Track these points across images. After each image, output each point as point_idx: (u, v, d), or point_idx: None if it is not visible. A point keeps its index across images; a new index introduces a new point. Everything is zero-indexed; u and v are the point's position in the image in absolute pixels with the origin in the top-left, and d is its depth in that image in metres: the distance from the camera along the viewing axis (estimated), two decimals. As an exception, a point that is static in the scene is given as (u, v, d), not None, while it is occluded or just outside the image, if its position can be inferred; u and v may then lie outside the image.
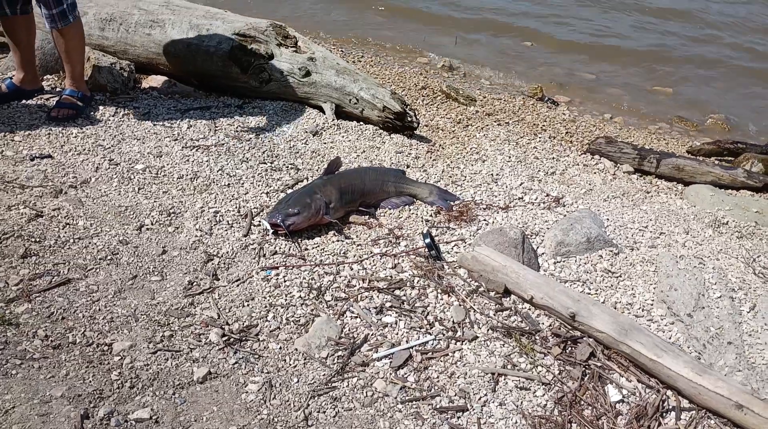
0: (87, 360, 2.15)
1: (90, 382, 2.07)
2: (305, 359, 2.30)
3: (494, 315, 2.61)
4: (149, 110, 3.96)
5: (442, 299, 2.66)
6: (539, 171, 3.97)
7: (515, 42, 6.80)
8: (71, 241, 2.72)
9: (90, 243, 2.73)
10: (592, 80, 6.16)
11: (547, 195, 3.62)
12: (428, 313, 2.58)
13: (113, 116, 3.80)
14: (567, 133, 4.71)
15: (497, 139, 4.36)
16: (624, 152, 4.31)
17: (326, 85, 4.11)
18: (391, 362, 2.32)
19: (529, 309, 2.67)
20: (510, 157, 4.06)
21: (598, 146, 4.36)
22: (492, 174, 3.79)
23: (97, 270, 2.60)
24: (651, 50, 6.80)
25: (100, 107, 3.86)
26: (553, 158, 4.20)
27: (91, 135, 3.57)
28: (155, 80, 4.33)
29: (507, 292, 2.72)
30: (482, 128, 4.53)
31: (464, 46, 6.66)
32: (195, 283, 2.61)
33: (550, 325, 2.59)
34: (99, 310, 2.39)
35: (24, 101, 3.82)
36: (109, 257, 2.67)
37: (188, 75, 4.35)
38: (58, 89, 4.03)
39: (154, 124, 3.79)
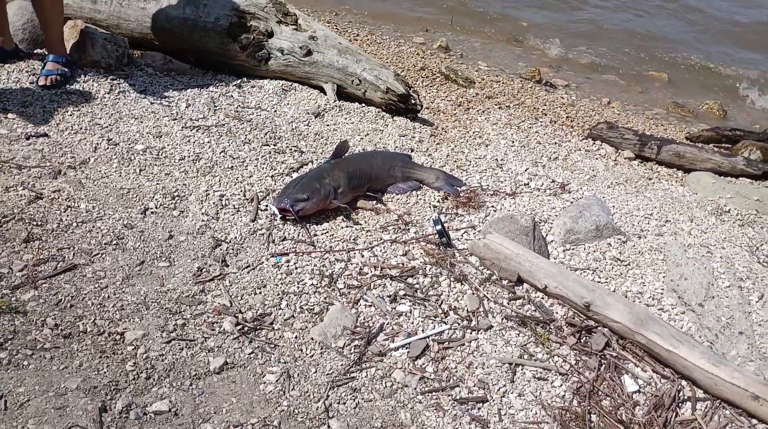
0: (100, 350, 2.09)
1: (105, 373, 2.01)
2: (322, 349, 2.26)
3: (508, 304, 2.60)
4: (145, 88, 3.84)
5: (455, 287, 2.64)
6: (542, 156, 3.94)
7: (513, 24, 6.73)
8: (74, 224, 2.64)
9: (94, 227, 2.65)
10: (588, 64, 6.14)
11: (553, 181, 3.60)
12: (442, 302, 2.55)
13: (108, 94, 3.69)
14: (567, 117, 4.69)
15: (499, 122, 4.32)
16: (625, 138, 4.30)
17: (328, 65, 4.03)
18: (408, 352, 2.30)
19: (543, 298, 2.66)
20: (513, 142, 4.03)
21: (600, 132, 4.34)
22: (496, 159, 3.76)
23: (103, 255, 2.52)
24: (647, 35, 6.79)
25: (95, 84, 3.74)
26: (556, 143, 4.18)
27: (87, 113, 3.45)
28: (150, 56, 4.20)
29: (520, 281, 2.71)
30: (483, 111, 4.48)
31: (460, 26, 6.57)
32: (204, 270, 2.55)
33: (564, 315, 2.59)
34: (108, 297, 2.33)
35: (11, 71, 3.68)
36: (114, 242, 2.59)
37: (184, 52, 4.23)
38: (37, 52, 3.92)
39: (152, 103, 3.68)
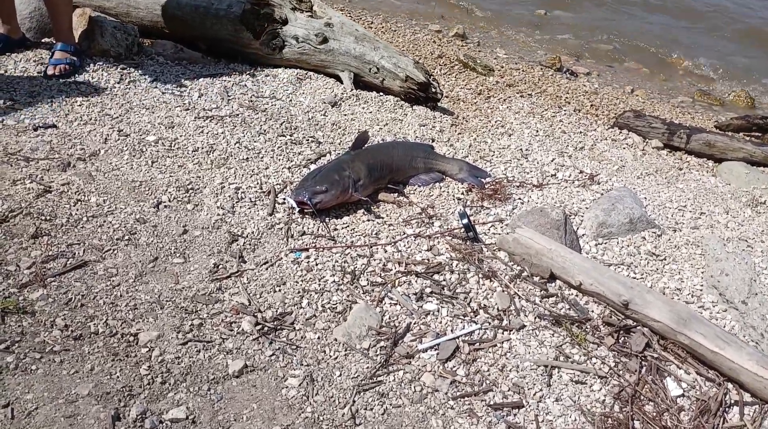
0: (112, 352, 1.97)
1: (118, 377, 1.89)
2: (346, 350, 2.13)
3: (540, 302, 2.46)
4: (156, 77, 3.72)
5: (484, 285, 2.50)
6: (568, 146, 3.79)
7: (528, 11, 6.55)
8: (84, 219, 2.52)
9: (105, 221, 2.53)
10: (609, 51, 5.96)
11: (581, 172, 3.45)
12: (471, 300, 2.42)
13: (118, 83, 3.56)
14: (592, 106, 4.53)
15: (521, 111, 4.16)
16: (653, 127, 4.14)
17: (344, 53, 3.88)
18: (437, 354, 2.16)
19: (577, 295, 2.52)
20: (537, 131, 3.88)
21: (627, 120, 4.18)
22: (521, 149, 3.61)
23: (115, 251, 2.40)
24: (668, 21, 6.59)
25: (104, 73, 3.62)
26: (581, 132, 4.02)
27: (97, 103, 3.33)
28: (161, 45, 4.07)
29: (552, 278, 2.57)
30: (504, 100, 4.33)
31: (476, 13, 6.40)
32: (221, 266, 2.42)
33: (600, 313, 2.44)
34: (120, 295, 2.21)
35: (18, 60, 3.56)
36: (126, 237, 2.47)
37: (196, 40, 4.09)
38: (44, 41, 3.81)
39: (163, 93, 3.56)
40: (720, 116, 4.95)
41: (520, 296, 2.46)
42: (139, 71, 3.73)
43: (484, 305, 2.40)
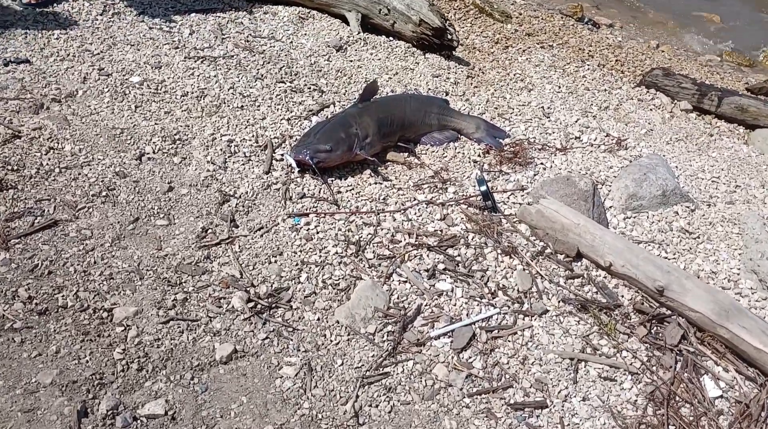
0: (82, 331, 1.72)
1: (87, 362, 1.64)
2: (349, 335, 1.89)
3: (565, 283, 2.21)
4: (143, 10, 3.35)
5: (503, 262, 2.24)
6: (592, 105, 3.48)
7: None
8: (57, 170, 2.23)
9: (80, 174, 2.24)
10: (633, 2, 5.56)
11: (607, 135, 3.15)
12: (488, 279, 2.17)
13: (101, 15, 3.20)
14: (617, 60, 4.19)
15: (542, 64, 3.83)
16: (683, 87, 3.82)
17: (352, -9, 3.52)
18: (451, 342, 1.93)
19: (605, 277, 2.27)
20: (560, 88, 3.56)
21: (655, 79, 3.86)
22: (542, 107, 3.30)
23: (90, 210, 2.12)
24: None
25: (86, 3, 3.25)
26: (605, 90, 3.70)
27: (76, 37, 2.99)
28: (150, -26, 3.67)
29: (579, 256, 2.31)
30: (524, 51, 3.98)
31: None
32: (210, 231, 2.15)
33: (631, 299, 2.20)
34: (94, 262, 1.94)
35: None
36: (104, 193, 2.19)
37: (189, -31, 3.70)
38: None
39: (150, 28, 3.20)
40: (749, 78, 4.63)
41: (543, 276, 2.21)
42: (125, 2, 3.36)
43: (503, 286, 2.15)
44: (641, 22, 5.25)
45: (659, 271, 2.16)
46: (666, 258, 2.45)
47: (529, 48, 4.04)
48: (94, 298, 1.82)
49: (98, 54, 2.91)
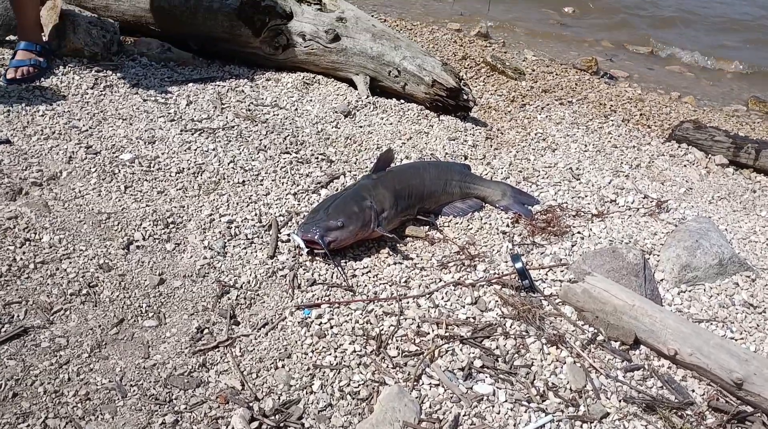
0: (47, 474, 1.40)
1: None
2: (375, 459, 1.56)
3: (624, 377, 1.88)
4: (138, 81, 3.15)
5: (549, 353, 1.92)
6: (623, 163, 3.21)
7: (555, 8, 5.98)
8: (31, 266, 1.95)
9: (58, 269, 1.96)
10: (647, 52, 5.38)
11: (645, 196, 2.87)
12: (535, 377, 1.84)
13: (91, 89, 2.99)
14: (641, 115, 3.95)
15: (563, 121, 3.59)
16: (716, 140, 3.56)
17: (360, 53, 3.31)
18: (499, 463, 1.59)
19: (669, 368, 1.94)
20: (586, 146, 3.30)
21: (685, 133, 3.60)
22: (570, 168, 3.03)
23: (68, 312, 1.83)
24: (710, 19, 6.01)
25: (75, 76, 3.05)
26: (634, 147, 3.45)
27: (63, 113, 2.76)
28: (145, 44, 3.50)
29: (636, 343, 1.99)
30: (542, 108, 3.75)
31: (498, 11, 5.83)
32: (206, 331, 1.85)
33: (704, 394, 1.86)
34: (68, 379, 1.63)
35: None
36: (84, 291, 1.90)
37: (186, 38, 3.53)
38: (9, 39, 3.26)
39: (145, 100, 2.99)
40: (783, 126, 4.37)
41: (598, 370, 1.88)
42: (118, 74, 3.16)
43: (553, 384, 1.82)
44: (658, 74, 5.05)
45: (735, 360, 1.83)
46: (732, 338, 2.13)
47: (548, 105, 3.81)
48: (65, 427, 1.51)
49: (86, 130, 2.67)
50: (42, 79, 2.99)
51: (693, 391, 1.87)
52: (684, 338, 1.90)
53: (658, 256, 2.42)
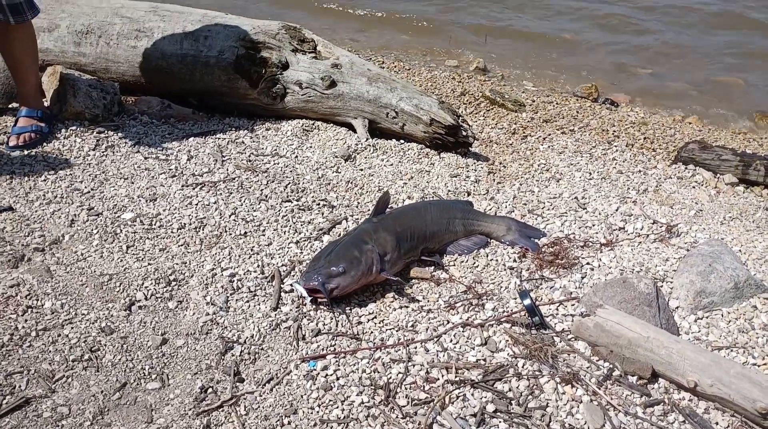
0: None
1: None
2: None
3: (644, 413, 1.81)
4: (139, 140, 3.18)
5: (564, 393, 1.86)
6: (629, 189, 3.17)
7: (554, 38, 6.01)
8: (33, 334, 1.93)
9: (60, 336, 1.94)
10: (647, 75, 5.38)
11: (654, 222, 2.81)
12: (551, 418, 1.77)
13: (93, 150, 3.02)
14: (645, 138, 3.92)
15: (566, 151, 3.56)
16: (723, 159, 3.51)
17: (356, 97, 3.33)
18: None
19: (690, 400, 1.86)
20: (590, 174, 3.27)
21: (691, 154, 3.55)
22: (576, 197, 2.99)
23: (69, 379, 1.80)
24: (708, 38, 6.01)
25: (77, 139, 3.08)
26: (640, 172, 3.40)
27: (65, 176, 2.78)
28: (145, 102, 3.55)
29: (654, 376, 1.92)
30: (544, 139, 3.73)
31: (494, 45, 5.88)
32: (210, 390, 1.81)
33: (728, 427, 1.78)
34: (70, 450, 1.60)
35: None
36: (86, 357, 1.88)
37: (185, 94, 3.58)
38: (12, 107, 3.31)
39: (146, 158, 3.01)
40: (791, 141, 4.31)
41: (616, 408, 1.81)
42: (119, 134, 3.20)
43: (570, 425, 1.76)
44: (660, 96, 5.03)
45: (758, 389, 1.76)
46: (754, 364, 2.05)
47: (549, 135, 3.79)
48: (66, 501, 1.47)
49: (88, 192, 2.69)
50: (44, 143, 3.02)
51: (716, 423, 1.79)
52: (703, 369, 1.83)
53: (672, 283, 2.36)
